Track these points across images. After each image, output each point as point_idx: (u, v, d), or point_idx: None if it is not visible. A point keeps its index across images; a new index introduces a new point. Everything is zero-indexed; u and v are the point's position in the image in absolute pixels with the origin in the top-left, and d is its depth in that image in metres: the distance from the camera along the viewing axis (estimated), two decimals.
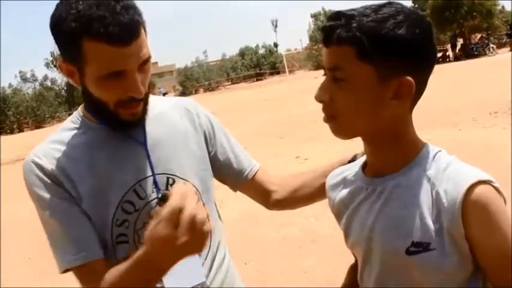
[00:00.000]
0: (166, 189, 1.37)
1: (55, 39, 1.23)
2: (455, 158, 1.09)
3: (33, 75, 50.33)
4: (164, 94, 41.22)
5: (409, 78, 1.01)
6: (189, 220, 1.04)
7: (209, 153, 1.53)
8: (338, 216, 1.26)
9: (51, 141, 1.36)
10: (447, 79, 16.34)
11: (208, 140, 1.54)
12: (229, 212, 5.42)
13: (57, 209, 1.28)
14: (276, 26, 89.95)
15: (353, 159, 1.39)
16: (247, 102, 23.38)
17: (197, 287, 1.38)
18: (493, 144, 7.30)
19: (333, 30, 1.02)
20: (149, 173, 1.36)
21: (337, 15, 1.04)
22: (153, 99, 1.48)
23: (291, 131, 12.31)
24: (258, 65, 55.43)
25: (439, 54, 30.13)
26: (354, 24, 1.00)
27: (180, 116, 1.50)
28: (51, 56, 49.38)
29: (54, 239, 1.29)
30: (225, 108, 18.93)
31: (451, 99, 12.26)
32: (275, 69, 55.33)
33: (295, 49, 63.81)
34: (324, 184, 1.35)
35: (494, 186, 1.00)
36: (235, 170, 1.57)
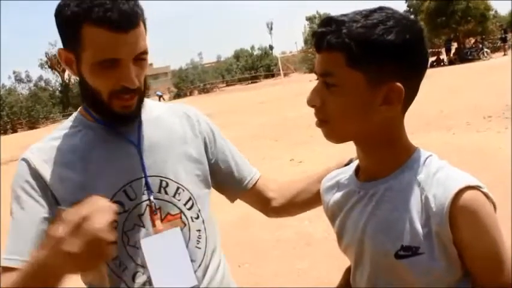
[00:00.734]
0: (159, 191, 1.36)
1: (57, 27, 1.27)
2: (446, 163, 1.09)
3: (27, 75, 50.21)
4: (160, 96, 41.15)
5: (399, 84, 1.02)
6: (86, 231, 0.98)
7: (209, 160, 1.52)
8: (332, 219, 1.27)
9: (48, 139, 1.38)
10: (441, 83, 16.39)
11: (209, 148, 1.53)
12: (224, 214, 5.41)
13: (21, 208, 1.27)
14: (271, 29, 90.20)
15: (349, 163, 1.40)
16: (242, 105, 23.37)
17: None
18: (487, 148, 7.33)
19: (323, 36, 1.03)
20: (141, 174, 1.35)
21: (328, 21, 1.04)
22: (151, 103, 1.48)
23: (286, 133, 12.31)
24: (253, 67, 55.48)
25: (433, 58, 30.27)
26: (344, 31, 1.01)
27: (179, 121, 1.50)
28: (46, 56, 49.31)
29: (8, 233, 1.27)
30: (219, 111, 18.92)
31: (445, 103, 12.30)
32: (270, 71, 55.39)
33: (290, 52, 63.92)
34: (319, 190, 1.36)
35: (482, 192, 1.01)
36: (236, 178, 1.57)
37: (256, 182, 1.59)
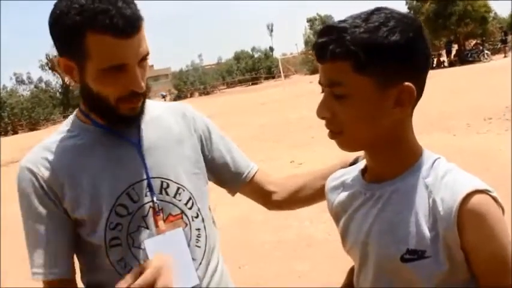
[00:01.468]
0: (160, 192, 1.37)
1: (54, 35, 1.25)
2: (454, 165, 1.08)
3: (29, 77, 50.20)
4: (163, 97, 41.18)
5: (409, 83, 1.00)
6: None
7: (205, 157, 1.53)
8: (336, 219, 1.26)
9: (45, 146, 1.36)
10: (442, 85, 16.39)
11: (205, 145, 1.54)
12: (223, 216, 5.41)
13: (41, 221, 1.31)
14: (272, 30, 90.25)
15: (354, 162, 1.39)
16: (242, 106, 23.37)
17: None
18: (487, 150, 7.32)
19: (326, 46, 1.01)
20: (143, 176, 1.36)
21: (328, 30, 1.02)
22: (149, 103, 1.48)
23: (287, 135, 12.31)
24: (254, 69, 55.46)
25: (434, 60, 30.28)
26: (347, 38, 0.98)
27: (175, 120, 1.50)
28: (46, 58, 49.27)
29: (32, 248, 1.33)
30: (220, 112, 18.92)
31: (445, 105, 12.30)
32: (270, 73, 55.35)
33: (291, 53, 63.83)
34: (324, 186, 1.34)
35: (491, 196, 0.99)
36: (233, 173, 1.58)
37: (254, 175, 1.60)
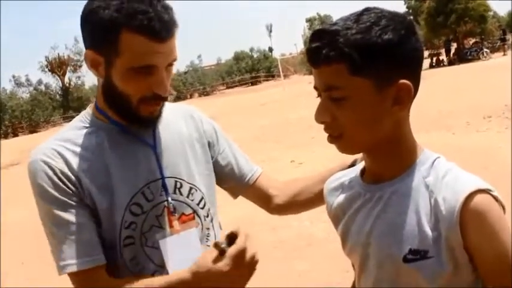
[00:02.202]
0: (174, 192, 1.39)
1: (87, 27, 1.27)
2: (454, 164, 1.08)
3: (28, 79, 50.19)
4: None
5: (406, 81, 1.00)
6: (250, 262, 1.28)
7: (212, 158, 1.55)
8: (335, 221, 1.25)
9: (59, 140, 1.34)
10: (441, 83, 16.40)
11: (212, 146, 1.55)
12: (225, 216, 5.40)
13: (68, 210, 1.27)
14: (271, 31, 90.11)
15: (353, 164, 1.39)
16: (242, 107, 23.37)
17: None
18: (486, 148, 7.33)
19: (319, 50, 1.00)
20: (158, 175, 1.38)
21: (320, 34, 1.02)
22: None
23: (286, 135, 12.31)
24: (253, 69, 55.41)
25: (432, 59, 30.30)
26: (340, 40, 0.98)
27: (185, 123, 1.52)
28: (46, 60, 49.27)
29: (60, 240, 1.27)
30: (220, 113, 18.91)
31: (445, 103, 12.30)
32: (270, 73, 55.31)
33: (290, 54, 63.83)
34: (323, 189, 1.34)
35: (493, 195, 0.99)
36: (236, 176, 1.59)
37: (257, 179, 1.61)
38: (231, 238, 1.27)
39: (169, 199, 1.37)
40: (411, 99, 1.03)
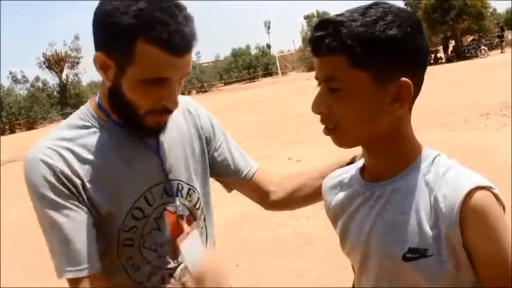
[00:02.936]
0: (176, 195, 1.38)
1: (100, 29, 1.18)
2: (455, 161, 1.06)
3: (23, 76, 50.06)
4: None
5: (406, 79, 0.99)
6: None
7: (208, 152, 1.53)
8: (334, 220, 1.24)
9: (59, 139, 1.27)
10: (439, 81, 16.39)
11: (208, 141, 1.53)
12: (221, 214, 5.40)
13: (64, 215, 1.21)
14: (269, 28, 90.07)
15: (352, 161, 1.38)
16: (240, 104, 23.35)
17: None
18: (485, 145, 7.33)
19: (322, 40, 0.99)
20: (160, 179, 1.35)
21: (324, 24, 1.01)
22: None
23: (284, 132, 12.30)
24: (251, 66, 55.38)
25: (431, 56, 30.28)
26: (343, 31, 0.97)
27: (184, 119, 1.49)
28: (44, 56, 49.15)
29: (56, 245, 1.22)
30: (218, 110, 18.87)
31: (443, 100, 12.30)
32: (268, 70, 55.28)
33: (288, 50, 63.81)
34: (321, 186, 1.33)
35: (493, 193, 0.98)
36: (232, 171, 1.56)
37: (253, 175, 1.58)
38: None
39: (178, 202, 1.37)
40: (411, 98, 1.02)
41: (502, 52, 30.86)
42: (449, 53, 32.30)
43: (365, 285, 1.16)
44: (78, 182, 1.23)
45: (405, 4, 36.81)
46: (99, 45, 1.20)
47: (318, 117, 1.08)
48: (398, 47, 0.98)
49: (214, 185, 1.60)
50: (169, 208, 1.36)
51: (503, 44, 33.01)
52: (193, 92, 49.50)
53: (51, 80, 50.78)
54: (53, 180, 1.21)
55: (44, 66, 49.68)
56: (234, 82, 53.74)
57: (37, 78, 50.47)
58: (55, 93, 50.05)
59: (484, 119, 9.58)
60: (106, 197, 1.26)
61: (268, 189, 1.59)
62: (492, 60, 24.34)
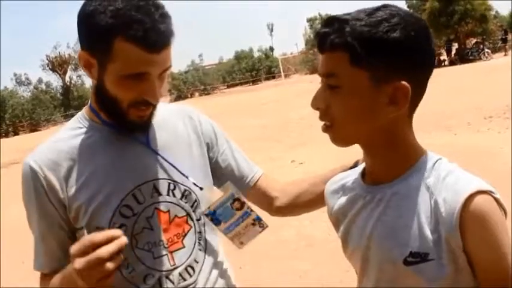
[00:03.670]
0: (168, 194, 1.38)
1: (83, 29, 1.25)
2: (456, 166, 1.06)
3: (27, 78, 50.18)
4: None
5: (405, 83, 0.99)
6: (91, 255, 1.11)
7: (210, 159, 1.53)
8: (336, 224, 1.24)
9: (53, 141, 1.37)
10: (442, 84, 16.37)
11: (211, 148, 1.53)
12: None
13: (38, 221, 1.36)
14: (272, 30, 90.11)
15: (355, 166, 1.38)
16: (243, 107, 23.36)
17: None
18: (488, 148, 7.32)
19: (326, 36, 1.01)
20: (150, 177, 1.36)
21: (330, 21, 1.02)
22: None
23: (287, 135, 12.31)
24: (254, 69, 55.36)
25: None
26: (347, 29, 0.98)
27: (183, 123, 1.50)
28: (47, 58, 49.28)
29: (34, 241, 1.41)
30: (220, 113, 18.90)
31: (446, 103, 12.29)
32: (271, 73, 55.23)
33: (291, 53, 63.73)
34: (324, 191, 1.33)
35: (494, 197, 0.98)
36: (236, 177, 1.56)
37: (257, 181, 1.59)
38: None
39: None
40: (408, 102, 1.01)
41: (505, 55, 30.81)
42: (453, 55, 32.26)
43: None
44: (62, 185, 1.32)
45: (408, 7, 36.78)
46: (82, 44, 1.27)
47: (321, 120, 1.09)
48: (399, 49, 0.98)
49: (215, 188, 1.60)
50: (161, 207, 1.36)
51: (507, 46, 32.95)
52: (196, 94, 49.51)
53: (55, 82, 50.91)
54: (37, 186, 1.32)
55: (47, 68, 49.80)
56: (237, 85, 53.72)
57: (40, 80, 50.60)
58: (58, 95, 50.15)
59: (487, 122, 9.57)
60: (92, 195, 1.31)
61: (272, 195, 1.58)
62: (495, 63, 24.31)
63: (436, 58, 30.78)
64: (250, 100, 26.88)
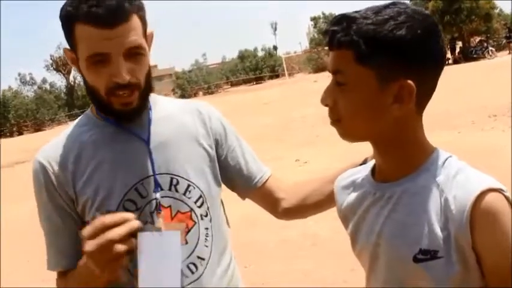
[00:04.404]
0: (170, 189, 1.37)
1: (61, 27, 1.30)
2: (465, 164, 1.06)
3: (32, 78, 50.33)
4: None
5: (410, 81, 0.99)
6: (102, 237, 1.11)
7: (219, 157, 1.52)
8: (345, 221, 1.24)
9: (62, 138, 1.42)
10: (446, 82, 16.25)
11: (220, 144, 1.52)
12: (229, 216, 5.41)
13: (51, 216, 1.38)
14: (276, 29, 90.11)
15: (363, 163, 1.37)
16: (246, 106, 23.35)
17: None
18: (492, 147, 7.30)
19: (334, 34, 1.02)
20: (151, 172, 1.37)
21: (339, 19, 1.03)
22: (163, 100, 1.51)
23: (291, 134, 12.30)
24: (258, 68, 55.31)
25: None
26: (353, 27, 0.99)
27: (192, 118, 1.50)
28: (51, 58, 49.42)
29: (47, 241, 1.42)
30: (224, 112, 18.75)
31: (450, 102, 12.25)
32: (274, 72, 55.19)
33: (295, 52, 63.74)
34: (333, 191, 1.32)
35: (505, 196, 0.97)
36: (244, 176, 1.55)
37: (266, 181, 1.57)
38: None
39: (158, 195, 1.36)
40: (413, 100, 1.01)
41: (509, 53, 30.66)
42: (457, 54, 32.17)
43: (374, 287, 1.15)
44: (70, 181, 1.35)
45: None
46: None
47: (325, 119, 1.10)
48: (404, 48, 0.98)
49: (222, 187, 1.60)
50: (163, 202, 1.36)
51: (511, 45, 32.82)
52: (200, 93, 49.55)
53: (59, 81, 51.08)
54: (47, 182, 1.36)
55: (51, 68, 49.92)
56: (241, 84, 53.73)
57: (44, 80, 50.72)
58: (62, 94, 50.29)
59: (491, 120, 9.55)
60: (97, 190, 1.34)
61: (279, 197, 1.56)
62: (499, 61, 24.22)
63: None
64: (253, 99, 26.87)
